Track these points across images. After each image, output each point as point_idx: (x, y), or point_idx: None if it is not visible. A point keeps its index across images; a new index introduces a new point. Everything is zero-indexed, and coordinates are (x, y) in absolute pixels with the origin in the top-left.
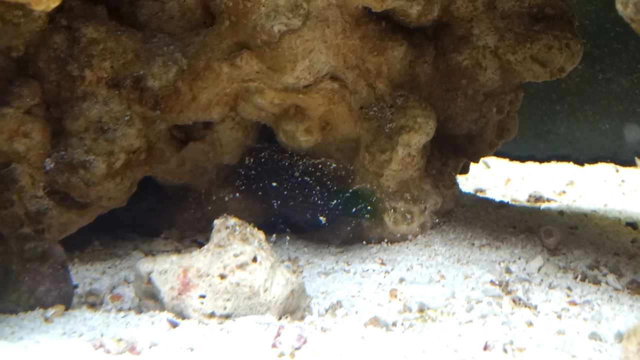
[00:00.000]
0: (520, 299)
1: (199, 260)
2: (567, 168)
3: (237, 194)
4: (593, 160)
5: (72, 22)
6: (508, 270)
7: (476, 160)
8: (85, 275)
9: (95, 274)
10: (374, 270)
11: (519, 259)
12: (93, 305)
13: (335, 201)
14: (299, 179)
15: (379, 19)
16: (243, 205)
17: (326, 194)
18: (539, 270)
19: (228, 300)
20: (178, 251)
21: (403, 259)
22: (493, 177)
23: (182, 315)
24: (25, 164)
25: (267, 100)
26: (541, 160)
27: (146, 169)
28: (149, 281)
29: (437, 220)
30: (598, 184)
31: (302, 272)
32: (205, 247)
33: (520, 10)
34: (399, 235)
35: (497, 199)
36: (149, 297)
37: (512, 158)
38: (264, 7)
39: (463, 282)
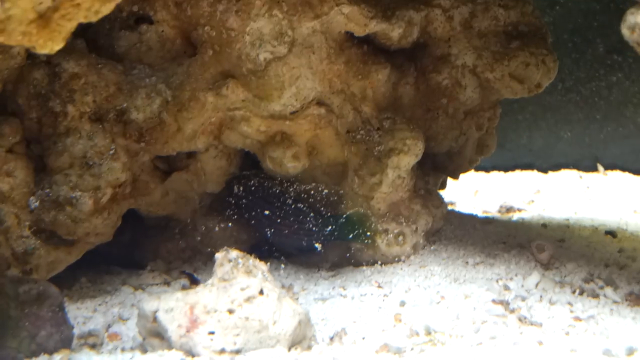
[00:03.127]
0: (525, 318)
1: (204, 295)
2: (532, 176)
3: (225, 223)
4: (556, 167)
5: (51, 57)
6: (507, 288)
7: (456, 177)
8: (77, 314)
9: (87, 312)
10: (371, 294)
11: (516, 275)
12: (94, 347)
13: (330, 227)
14: (292, 205)
15: (361, 43)
16: (228, 234)
17: (320, 220)
18: (536, 286)
19: (238, 335)
20: (167, 283)
21: (399, 280)
22: (461, 189)
23: (192, 353)
24: (9, 203)
25: (253, 128)
26: (506, 170)
27: (131, 202)
28: (155, 320)
29: (428, 239)
30: (564, 192)
31: (297, 299)
32: (209, 281)
33: (496, 29)
34: (391, 257)
35: (468, 210)
36: (154, 336)
37: (477, 168)
38: (248, 35)
39: (464, 302)
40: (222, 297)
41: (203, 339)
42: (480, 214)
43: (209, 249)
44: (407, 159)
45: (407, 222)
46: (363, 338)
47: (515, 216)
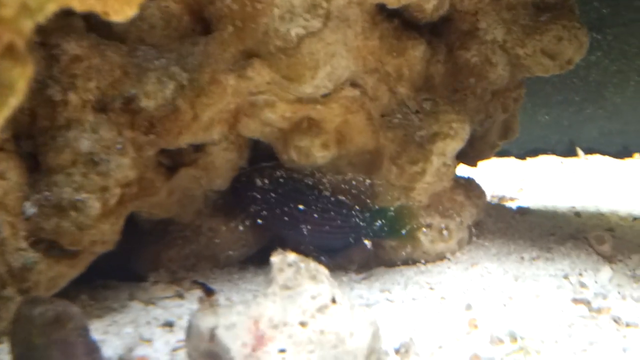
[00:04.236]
0: (619, 318)
1: (268, 307)
2: (512, 163)
3: (234, 224)
4: (533, 153)
5: (47, 37)
6: (582, 285)
7: (474, 165)
8: None
9: (98, 334)
10: (425, 297)
11: (585, 270)
12: None
13: (379, 221)
14: (332, 199)
15: (390, 17)
16: (236, 236)
17: (368, 214)
18: (609, 281)
19: (312, 351)
20: (180, 296)
21: (452, 281)
22: None
23: None
24: (3, 211)
25: (278, 114)
26: None
27: (136, 204)
28: (213, 338)
29: (471, 233)
30: (550, 178)
31: None
32: (270, 290)
33: (525, 0)
34: (435, 254)
35: None
36: (210, 357)
37: None
38: (277, 8)
39: (538, 302)
40: (291, 308)
41: (273, 358)
42: None
43: (217, 254)
44: (453, 144)
45: (451, 215)
46: (440, 347)
47: (509, 205)
